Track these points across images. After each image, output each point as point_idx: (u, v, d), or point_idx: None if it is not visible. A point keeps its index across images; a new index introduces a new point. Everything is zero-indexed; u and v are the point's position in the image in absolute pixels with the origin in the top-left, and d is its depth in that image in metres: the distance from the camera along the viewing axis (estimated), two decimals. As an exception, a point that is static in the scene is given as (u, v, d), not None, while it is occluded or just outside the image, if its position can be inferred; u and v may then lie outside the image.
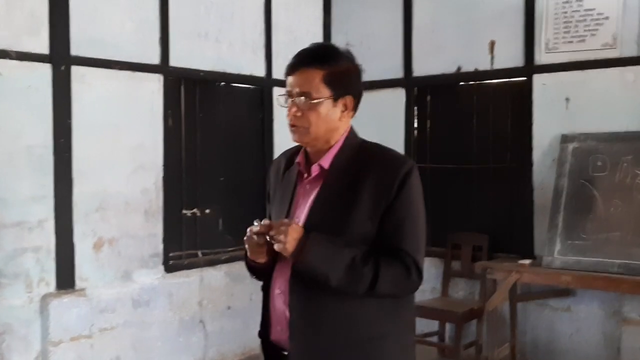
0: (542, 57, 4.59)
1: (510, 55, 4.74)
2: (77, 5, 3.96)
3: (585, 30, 4.42)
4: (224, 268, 4.80)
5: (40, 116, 3.83)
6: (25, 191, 3.78)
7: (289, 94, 1.80)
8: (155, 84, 4.40)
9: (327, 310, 1.73)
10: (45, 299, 3.82)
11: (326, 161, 1.81)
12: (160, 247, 4.44)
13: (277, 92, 5.18)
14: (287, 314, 1.76)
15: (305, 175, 1.86)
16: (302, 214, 1.81)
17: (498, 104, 4.90)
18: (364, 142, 1.86)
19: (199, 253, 4.72)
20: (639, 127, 4.19)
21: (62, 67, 3.90)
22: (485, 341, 4.47)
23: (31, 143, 3.80)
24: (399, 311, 1.81)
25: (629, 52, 4.26)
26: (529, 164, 4.64)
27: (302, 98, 1.76)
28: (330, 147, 1.82)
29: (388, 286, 1.70)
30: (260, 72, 5.12)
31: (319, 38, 5.56)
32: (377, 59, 5.26)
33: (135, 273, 4.29)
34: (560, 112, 4.50)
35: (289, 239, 1.66)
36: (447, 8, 5.07)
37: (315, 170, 1.82)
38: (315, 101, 1.75)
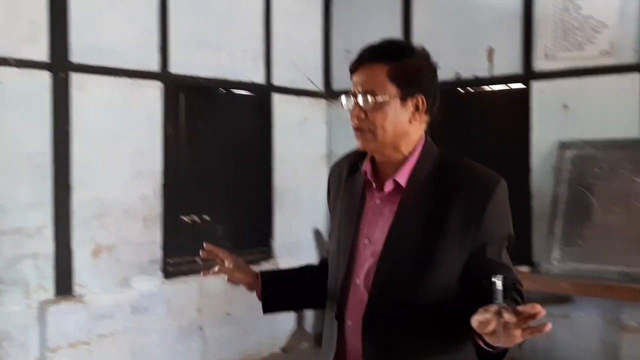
0: (540, 64, 4.60)
1: (508, 62, 4.75)
2: (77, 13, 3.98)
3: (583, 38, 4.42)
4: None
5: (39, 123, 3.85)
6: (24, 198, 3.79)
7: (352, 95, 1.60)
8: (154, 91, 4.41)
9: (402, 351, 1.58)
10: (43, 305, 3.83)
11: (402, 177, 1.59)
12: (159, 253, 4.44)
13: (277, 98, 5.27)
14: (361, 348, 1.59)
15: (374, 186, 1.65)
16: (374, 232, 1.62)
17: (496, 111, 4.90)
18: (445, 155, 1.67)
19: (198, 259, 4.73)
20: (636, 134, 4.19)
21: (62, 75, 3.92)
22: (484, 348, 4.46)
23: (30, 150, 3.82)
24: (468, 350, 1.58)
25: (627, 59, 4.26)
26: (527, 170, 4.64)
27: (366, 97, 1.56)
28: (404, 158, 1.61)
29: None
30: (260, 79, 5.13)
31: (318, 45, 5.55)
32: (376, 65, 5.28)
33: (133, 279, 4.30)
34: (559, 119, 4.50)
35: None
36: (446, 15, 5.08)
37: (389, 186, 1.61)
38: (379, 99, 1.55)
